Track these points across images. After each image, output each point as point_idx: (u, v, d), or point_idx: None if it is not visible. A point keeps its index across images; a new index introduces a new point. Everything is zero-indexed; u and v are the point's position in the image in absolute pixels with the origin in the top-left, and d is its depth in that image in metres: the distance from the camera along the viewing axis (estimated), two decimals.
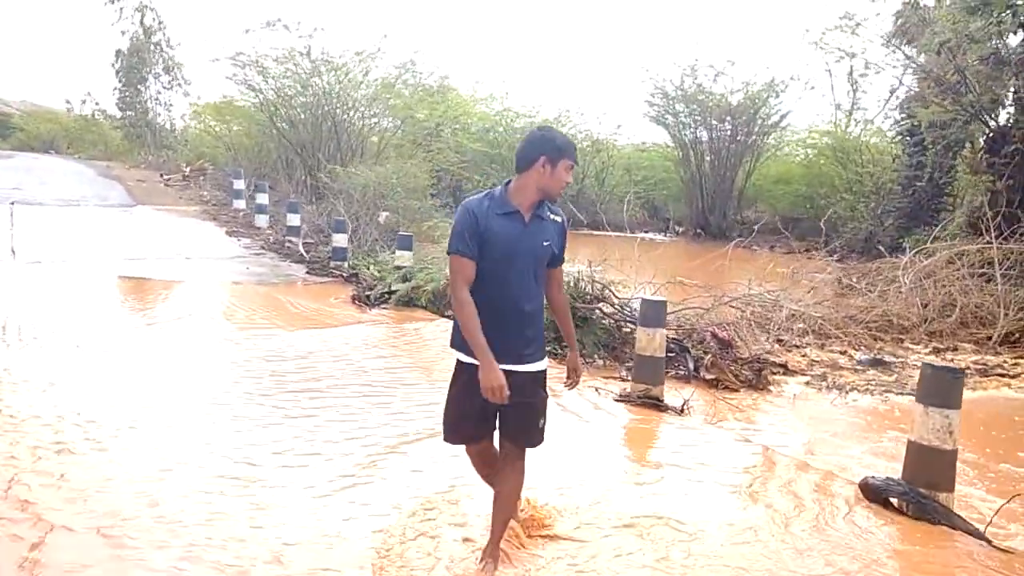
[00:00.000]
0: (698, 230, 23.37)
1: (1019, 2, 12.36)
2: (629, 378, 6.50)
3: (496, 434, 3.05)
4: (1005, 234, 10.83)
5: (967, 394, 7.30)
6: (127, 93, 30.17)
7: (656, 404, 5.40)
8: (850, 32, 17.29)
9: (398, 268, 8.84)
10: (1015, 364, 8.21)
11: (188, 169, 19.01)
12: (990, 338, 9.01)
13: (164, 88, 30.01)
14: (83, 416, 4.30)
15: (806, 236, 23.23)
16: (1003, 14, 11.82)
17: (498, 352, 2.83)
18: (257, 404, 4.89)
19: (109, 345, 5.99)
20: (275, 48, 17.99)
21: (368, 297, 8.44)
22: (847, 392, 6.88)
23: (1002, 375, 7.87)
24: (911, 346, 9.01)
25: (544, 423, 3.03)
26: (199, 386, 5.17)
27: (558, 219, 2.99)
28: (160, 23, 30.13)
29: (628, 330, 7.54)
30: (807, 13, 35.48)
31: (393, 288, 8.22)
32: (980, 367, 8.07)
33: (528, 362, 2.93)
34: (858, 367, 7.82)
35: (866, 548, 3.48)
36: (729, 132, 23.14)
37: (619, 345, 7.55)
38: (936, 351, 8.79)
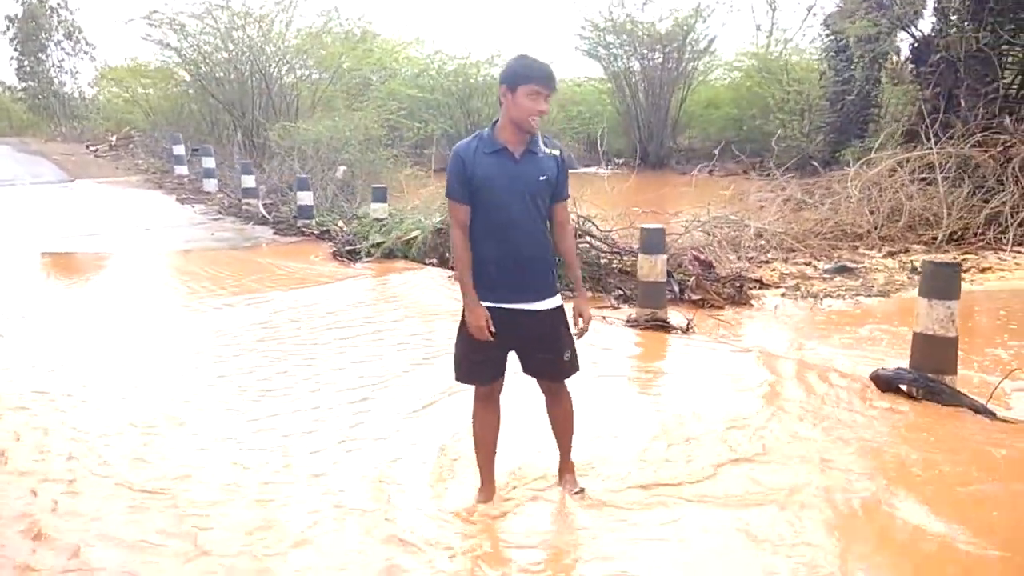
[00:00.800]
0: (638, 161, 23.71)
1: None
2: (619, 305, 6.86)
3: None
4: (942, 139, 11.45)
5: (911, 294, 7.93)
6: (26, 62, 28.43)
7: (663, 325, 5.69)
8: None
9: (377, 220, 8.84)
10: (963, 260, 8.83)
11: (114, 138, 18.20)
12: (935, 238, 9.66)
13: (68, 55, 28.39)
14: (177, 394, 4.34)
15: (739, 158, 23.93)
16: None
17: (509, 291, 2.87)
18: (284, 362, 4.97)
19: (131, 325, 5.88)
20: (192, 2, 17.25)
21: (350, 252, 8.45)
22: (821, 299, 7.32)
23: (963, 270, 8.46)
24: (866, 252, 9.57)
25: (571, 354, 3.02)
26: (226, 354, 5.19)
27: (555, 152, 2.87)
28: None
29: (605, 260, 7.87)
30: None
31: (377, 241, 8.25)
32: None
33: (539, 299, 2.90)
34: (825, 275, 8.31)
35: (888, 427, 3.87)
36: (660, 60, 23.35)
37: (602, 276, 7.84)
38: (890, 254, 9.37)
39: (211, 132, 19.36)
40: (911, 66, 15.29)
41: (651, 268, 5.68)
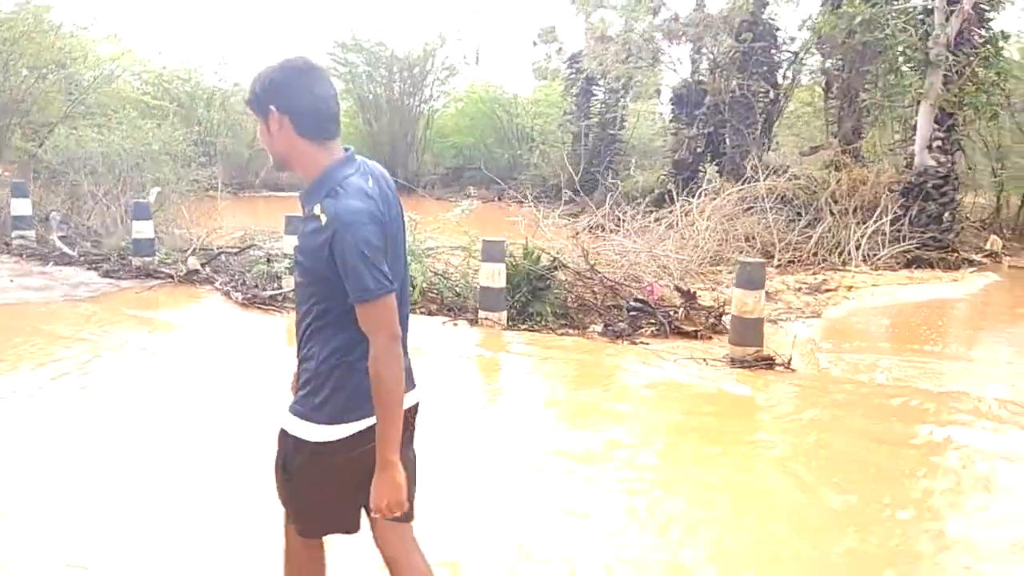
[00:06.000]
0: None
1: None
2: (614, 340, 6.46)
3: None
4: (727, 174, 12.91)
5: (833, 311, 8.70)
6: None
7: (769, 363, 5.42)
8: None
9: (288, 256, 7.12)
10: (824, 281, 9.97)
11: None
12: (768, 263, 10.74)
13: None
14: None
15: (476, 184, 24.53)
16: None
17: None
18: None
19: None
20: None
21: (271, 298, 6.69)
22: (780, 323, 7.67)
23: (828, 290, 9.54)
24: (725, 275, 10.28)
25: (296, 513, 1.97)
26: None
27: (321, 217, 1.73)
28: None
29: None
30: None
31: None
32: (809, 287, 9.64)
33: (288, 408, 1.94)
34: None
35: None
36: (403, 85, 23.03)
37: (572, 312, 7.35)
38: None
39: None
40: (673, 108, 17.08)
41: (755, 304, 5.37)
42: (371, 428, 1.80)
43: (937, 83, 11.16)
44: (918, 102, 11.49)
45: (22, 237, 8.58)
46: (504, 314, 6.56)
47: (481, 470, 3.63)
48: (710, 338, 6.88)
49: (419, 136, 23.63)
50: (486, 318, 6.51)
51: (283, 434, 1.89)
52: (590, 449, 3.97)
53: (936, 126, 11.35)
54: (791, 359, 5.56)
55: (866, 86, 12.99)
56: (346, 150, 1.85)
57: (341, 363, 1.82)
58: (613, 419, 4.46)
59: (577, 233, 13.21)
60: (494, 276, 6.48)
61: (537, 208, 9.59)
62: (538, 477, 3.57)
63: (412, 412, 2.00)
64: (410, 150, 23.23)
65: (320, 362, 1.83)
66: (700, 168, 15.31)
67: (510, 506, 3.24)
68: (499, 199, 22.22)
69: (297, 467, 1.87)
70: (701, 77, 16.05)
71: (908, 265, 11.06)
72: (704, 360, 5.58)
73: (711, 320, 7.20)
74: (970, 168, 13.04)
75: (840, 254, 11.14)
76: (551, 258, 7.34)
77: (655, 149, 19.76)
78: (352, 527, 1.96)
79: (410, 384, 1.93)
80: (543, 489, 3.44)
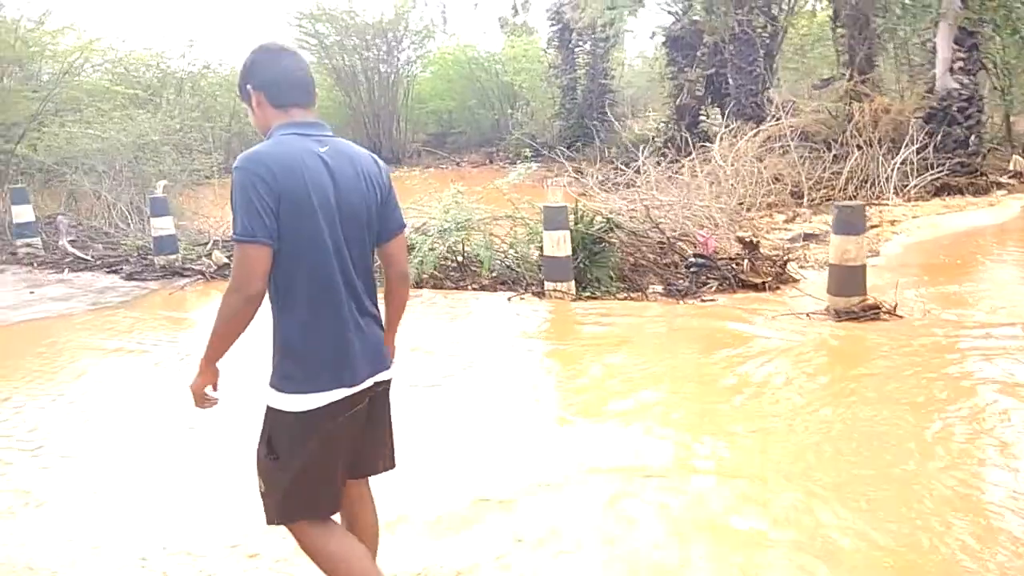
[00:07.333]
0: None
1: None
2: (678, 300, 6.11)
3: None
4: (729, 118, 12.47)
5: (888, 248, 8.45)
6: None
7: (876, 312, 5.11)
8: None
9: None
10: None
11: None
12: (812, 200, 10.49)
13: None
14: None
15: (460, 150, 23.87)
16: None
17: None
18: None
19: None
20: None
21: None
22: None
23: (873, 226, 9.28)
24: (761, 220, 9.98)
25: (264, 491, 1.95)
26: None
27: None
28: None
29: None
30: None
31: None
32: None
33: None
34: (800, 243, 8.45)
35: None
36: (377, 52, 22.19)
37: (628, 275, 6.99)
38: (791, 219, 9.93)
39: None
40: (667, 51, 16.54)
41: (858, 250, 5.04)
42: (348, 398, 1.86)
43: (956, 0, 10.81)
44: (936, 23, 11.15)
45: (28, 245, 8.00)
46: (572, 283, 6.17)
47: (647, 446, 3.28)
48: (778, 288, 6.61)
49: (400, 104, 22.84)
50: (554, 289, 6.13)
51: (267, 410, 1.90)
52: (745, 416, 3.63)
53: (956, 47, 11.02)
54: (896, 305, 5.25)
55: (876, 10, 12.59)
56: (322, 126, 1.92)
57: (305, 334, 1.85)
58: (749, 385, 4.11)
59: (584, 193, 12.81)
60: (559, 244, 6.08)
61: (580, 171, 9.12)
62: (711, 444, 3.24)
63: (382, 388, 2.00)
64: (392, 119, 22.47)
65: (284, 334, 1.86)
66: (702, 112, 14.92)
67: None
68: (490, 162, 21.72)
69: (281, 441, 1.87)
70: (695, 17, 15.51)
71: (938, 193, 10.84)
72: (807, 315, 5.24)
73: (775, 270, 6.93)
74: (995, 88, 12.76)
75: (872, 187, 10.87)
76: (603, 219, 6.93)
77: (644, 96, 19.24)
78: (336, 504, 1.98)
79: (379, 364, 1.95)
80: (727, 451, 3.10)
